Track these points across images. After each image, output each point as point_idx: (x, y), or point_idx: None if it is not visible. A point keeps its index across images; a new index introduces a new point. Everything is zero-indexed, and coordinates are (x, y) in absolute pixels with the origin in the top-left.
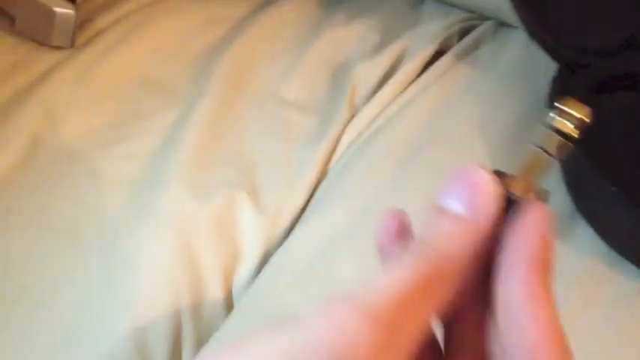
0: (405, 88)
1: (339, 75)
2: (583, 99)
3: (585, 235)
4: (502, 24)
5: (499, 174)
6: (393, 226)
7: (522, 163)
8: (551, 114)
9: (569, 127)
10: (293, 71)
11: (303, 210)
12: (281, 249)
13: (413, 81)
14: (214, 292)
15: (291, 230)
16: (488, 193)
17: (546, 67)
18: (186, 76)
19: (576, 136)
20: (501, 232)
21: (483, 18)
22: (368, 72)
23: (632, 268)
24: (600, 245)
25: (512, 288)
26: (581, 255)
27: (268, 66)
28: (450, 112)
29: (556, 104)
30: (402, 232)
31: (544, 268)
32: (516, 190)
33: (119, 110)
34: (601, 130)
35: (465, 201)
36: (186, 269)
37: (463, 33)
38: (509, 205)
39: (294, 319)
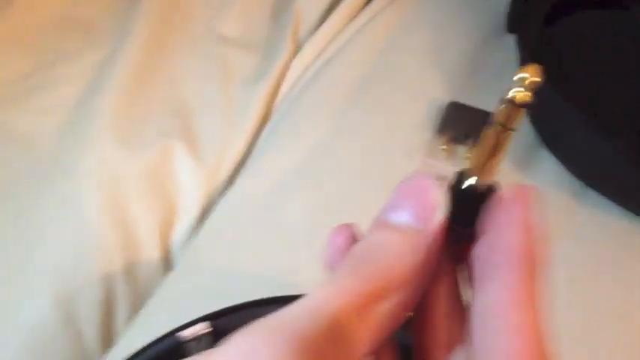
0: (353, 18)
1: (280, 6)
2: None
3: (548, 164)
4: None
5: (460, 172)
6: (340, 242)
7: (483, 147)
8: (509, 94)
9: (525, 95)
10: (230, 4)
11: (246, 155)
12: (223, 199)
13: (361, 9)
14: (150, 251)
15: (234, 178)
16: (434, 202)
17: None
18: (111, 13)
19: (531, 100)
20: (478, 228)
21: None
22: (311, 3)
23: (595, 195)
24: (563, 174)
25: (492, 292)
26: (545, 184)
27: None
28: (402, 41)
29: (514, 76)
30: (350, 246)
31: (530, 268)
32: (484, 179)
33: (34, 55)
34: (560, 53)
35: (409, 211)
36: (116, 228)
37: None
38: (484, 197)
39: (214, 351)
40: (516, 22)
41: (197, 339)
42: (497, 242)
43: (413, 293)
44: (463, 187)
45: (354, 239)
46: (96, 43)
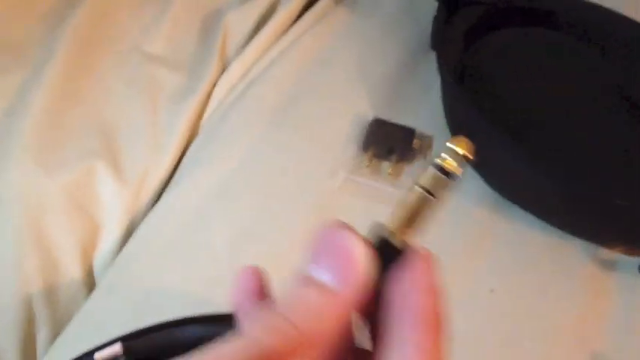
0: (281, 35)
1: (208, 25)
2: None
3: (473, 183)
4: None
5: (378, 227)
6: (248, 285)
7: (404, 208)
8: (438, 160)
9: (453, 166)
10: (158, 23)
11: (171, 175)
12: (147, 218)
13: (288, 28)
14: (71, 272)
15: (158, 198)
16: (358, 263)
17: (429, 9)
18: (37, 34)
19: (459, 174)
20: (386, 287)
21: None
22: (239, 21)
23: (519, 211)
24: (487, 192)
25: (404, 352)
26: (469, 203)
27: (129, 18)
28: (328, 60)
29: (447, 144)
30: (259, 290)
31: (438, 329)
32: (399, 239)
33: None
34: (484, 71)
35: (332, 271)
36: (35, 250)
37: None
38: (394, 256)
39: None
40: (439, 39)
41: None
42: (405, 305)
43: (330, 352)
44: (378, 246)
45: (260, 284)
46: (20, 63)
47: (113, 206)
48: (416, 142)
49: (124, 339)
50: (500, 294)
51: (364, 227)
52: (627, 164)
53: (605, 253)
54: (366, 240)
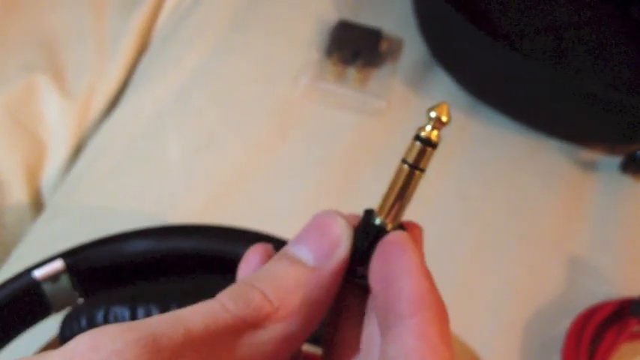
0: None
1: None
2: None
3: (445, 86)
4: None
5: (368, 210)
6: (255, 261)
7: (392, 188)
8: (422, 133)
9: (438, 135)
10: None
11: (123, 88)
12: (96, 134)
13: None
14: (16, 194)
15: (109, 113)
16: (334, 239)
17: None
18: None
19: (439, 141)
20: (375, 268)
21: None
22: None
23: (495, 114)
24: (460, 94)
25: (407, 340)
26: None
27: None
28: None
29: (429, 113)
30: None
31: (439, 311)
32: (391, 220)
33: None
34: None
35: (308, 247)
36: None
37: None
38: (383, 236)
39: (55, 351)
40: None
41: (53, 278)
42: (400, 290)
43: (302, 326)
44: (369, 227)
45: (269, 258)
46: None
47: (59, 123)
48: (383, 44)
49: (66, 255)
50: (474, 200)
51: (328, 135)
52: (602, 57)
53: (585, 153)
54: (350, 218)
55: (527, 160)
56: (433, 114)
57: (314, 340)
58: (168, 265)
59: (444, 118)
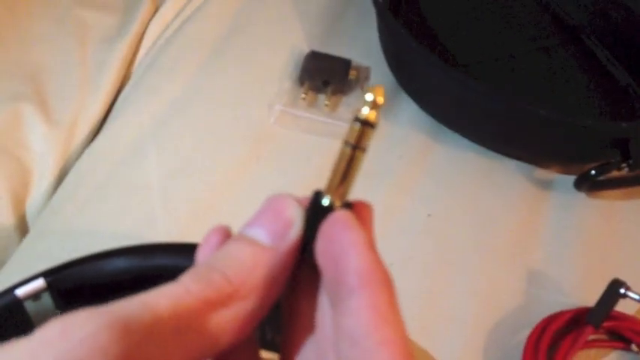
0: None
1: None
2: None
3: (408, 109)
4: None
5: (316, 193)
6: (214, 242)
7: (336, 168)
8: (360, 114)
9: (372, 114)
10: None
11: (105, 117)
12: (80, 159)
13: None
14: (3, 218)
15: (92, 140)
16: (287, 218)
17: None
18: None
19: (376, 120)
20: (322, 246)
21: None
22: None
23: (454, 136)
24: (422, 117)
25: (357, 313)
26: (404, 129)
27: None
28: None
29: (365, 97)
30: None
31: (386, 284)
32: (338, 198)
33: None
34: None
35: (263, 228)
36: None
37: None
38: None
39: (25, 338)
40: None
41: (35, 296)
42: (347, 265)
43: (261, 303)
44: (317, 207)
45: (227, 239)
46: None
47: (44, 150)
48: (352, 73)
49: (47, 273)
50: (438, 217)
51: (299, 159)
52: (555, 81)
53: (542, 172)
54: (303, 201)
55: (487, 178)
56: (370, 97)
57: (271, 345)
58: (147, 282)
59: (379, 100)
